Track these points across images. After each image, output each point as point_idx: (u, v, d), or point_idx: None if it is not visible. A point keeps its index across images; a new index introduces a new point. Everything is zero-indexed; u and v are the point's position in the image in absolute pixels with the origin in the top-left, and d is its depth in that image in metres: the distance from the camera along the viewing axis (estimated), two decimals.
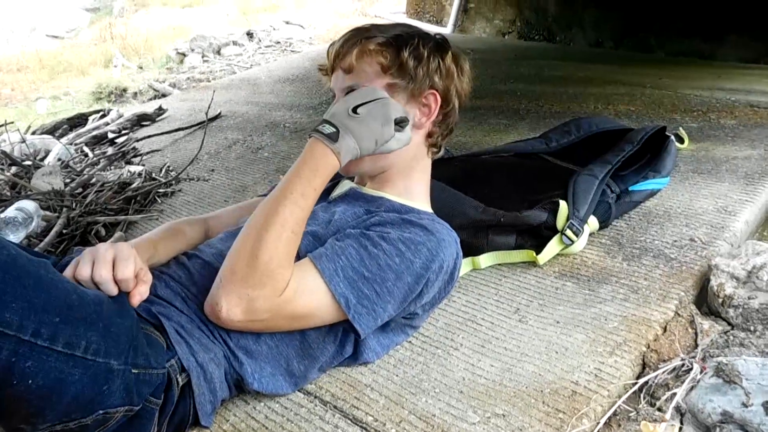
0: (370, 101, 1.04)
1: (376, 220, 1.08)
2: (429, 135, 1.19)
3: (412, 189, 1.20)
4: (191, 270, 1.08)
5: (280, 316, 0.97)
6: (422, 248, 1.05)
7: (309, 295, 0.98)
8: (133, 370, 0.86)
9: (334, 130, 1.00)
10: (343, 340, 1.08)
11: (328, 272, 0.99)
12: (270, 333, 1.03)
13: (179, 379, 0.94)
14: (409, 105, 1.14)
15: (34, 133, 3.15)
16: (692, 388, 0.94)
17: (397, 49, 1.13)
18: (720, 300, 1.15)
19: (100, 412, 0.83)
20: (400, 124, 1.07)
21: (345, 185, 1.23)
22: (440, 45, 1.17)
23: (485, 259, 1.39)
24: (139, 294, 0.95)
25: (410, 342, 1.18)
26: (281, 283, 0.95)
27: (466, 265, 1.39)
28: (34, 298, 0.76)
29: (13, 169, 2.39)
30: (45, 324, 0.76)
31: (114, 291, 0.91)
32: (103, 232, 1.89)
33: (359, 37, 1.14)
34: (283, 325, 1.00)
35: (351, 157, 1.03)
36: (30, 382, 0.75)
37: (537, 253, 1.36)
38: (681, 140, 1.92)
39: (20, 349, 0.74)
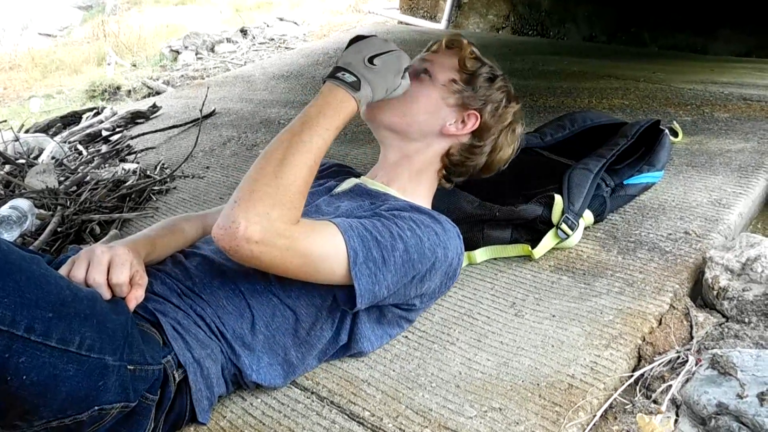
0: (384, 52, 1.06)
1: (387, 207, 1.10)
2: (448, 153, 1.21)
3: (417, 192, 1.21)
4: (188, 266, 1.08)
5: (294, 250, 0.94)
6: (431, 231, 1.07)
7: (324, 239, 0.97)
8: (129, 367, 0.85)
9: (355, 79, 1.02)
10: (338, 327, 1.08)
11: (344, 226, 1.00)
12: (265, 322, 1.03)
13: (176, 375, 0.94)
14: (453, 110, 1.19)
15: (27, 131, 3.13)
16: (687, 380, 0.95)
17: (481, 64, 1.21)
18: (715, 292, 1.15)
19: (96, 408, 0.82)
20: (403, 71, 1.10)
21: (351, 182, 1.24)
22: (514, 96, 1.24)
23: (481, 254, 1.39)
24: (135, 299, 0.95)
25: (406, 337, 1.18)
26: (298, 212, 0.95)
27: None
28: (26, 294, 0.75)
29: (7, 167, 2.38)
30: (38, 319, 0.75)
31: (107, 295, 0.92)
32: (97, 230, 1.88)
33: (465, 39, 1.23)
34: (294, 263, 0.96)
35: (365, 103, 1.06)
36: (24, 378, 0.75)
37: (532, 248, 1.36)
38: (675, 134, 1.93)
39: (14, 344, 0.74)
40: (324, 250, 0.97)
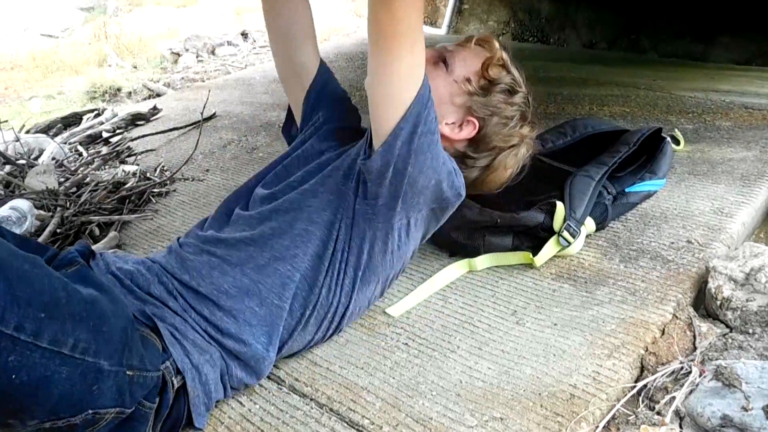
0: None
1: None
2: None
3: None
4: (184, 256, 1.08)
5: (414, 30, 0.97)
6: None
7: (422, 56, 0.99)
8: (128, 372, 0.85)
9: None
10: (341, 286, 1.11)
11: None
12: (277, 293, 1.05)
13: (174, 382, 0.94)
14: (456, 110, 1.15)
15: (28, 131, 3.12)
16: (691, 391, 0.94)
17: (505, 73, 1.15)
18: (718, 302, 1.15)
19: (90, 412, 0.82)
20: None
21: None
22: (530, 119, 1.19)
23: (482, 261, 1.39)
24: None
25: (407, 344, 1.17)
26: None
27: (462, 267, 1.38)
28: (17, 292, 0.74)
29: (7, 168, 2.37)
30: (29, 318, 0.74)
31: None
32: (97, 231, 1.87)
33: (498, 42, 1.18)
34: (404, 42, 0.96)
35: None
36: (13, 377, 0.74)
37: (534, 255, 1.35)
38: (677, 142, 1.92)
39: (1, 342, 0.73)
40: (421, 56, 0.98)
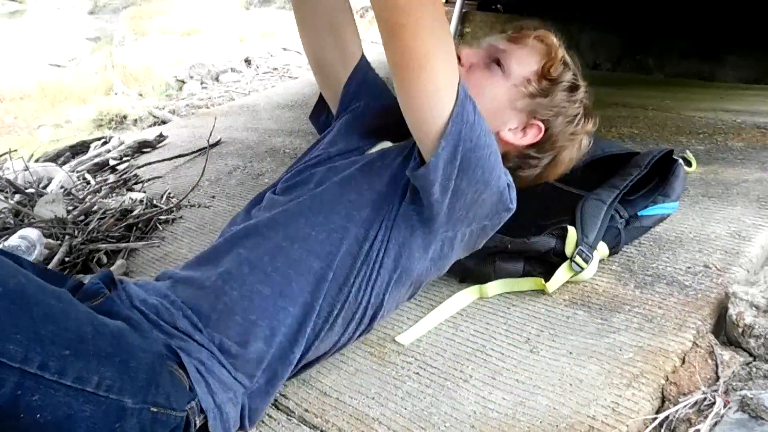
0: None
1: None
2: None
3: None
4: (216, 273, 1.04)
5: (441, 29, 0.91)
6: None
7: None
8: (152, 409, 0.83)
9: None
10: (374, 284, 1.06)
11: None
12: (310, 291, 1.02)
13: (197, 421, 0.92)
14: (517, 114, 1.10)
15: (37, 160, 3.14)
16: (716, 423, 0.90)
17: (565, 70, 1.10)
18: (740, 330, 1.11)
19: None
20: None
21: (384, 144, 1.19)
22: (592, 111, 1.14)
23: (493, 288, 1.36)
24: None
25: (418, 374, 1.14)
26: None
27: (473, 293, 1.36)
28: (41, 330, 0.74)
29: (17, 196, 2.38)
30: (53, 357, 0.74)
31: None
32: (105, 259, 1.87)
33: (555, 37, 1.11)
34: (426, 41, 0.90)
35: None
36: (38, 416, 0.73)
37: (546, 281, 1.33)
38: (688, 163, 1.90)
39: (25, 382, 0.72)
40: (446, 78, 0.91)
